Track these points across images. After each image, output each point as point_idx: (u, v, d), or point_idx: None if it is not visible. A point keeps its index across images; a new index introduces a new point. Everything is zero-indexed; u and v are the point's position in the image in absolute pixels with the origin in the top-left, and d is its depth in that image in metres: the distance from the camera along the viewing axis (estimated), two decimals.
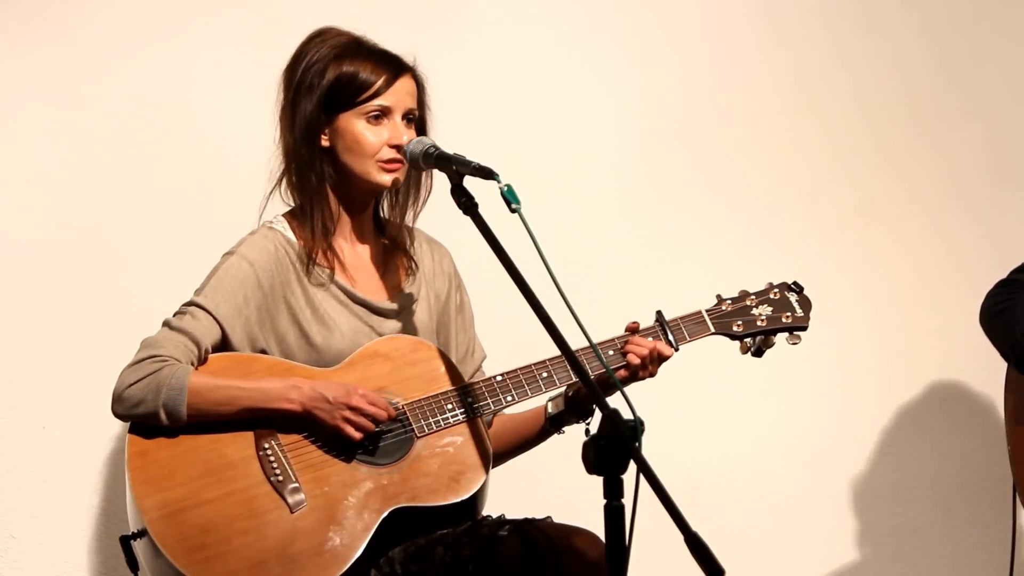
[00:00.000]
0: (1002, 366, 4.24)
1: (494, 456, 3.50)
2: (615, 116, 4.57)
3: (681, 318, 3.57)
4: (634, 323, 3.54)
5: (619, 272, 4.55)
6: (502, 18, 4.48)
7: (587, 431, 3.40)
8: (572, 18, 4.54)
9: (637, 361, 3.49)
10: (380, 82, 3.47)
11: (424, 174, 3.57)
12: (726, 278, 4.60)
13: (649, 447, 3.02)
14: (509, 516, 3.43)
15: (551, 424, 3.56)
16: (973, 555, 4.81)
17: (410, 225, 3.63)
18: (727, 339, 3.60)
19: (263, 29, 4.21)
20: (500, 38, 4.48)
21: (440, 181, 3.46)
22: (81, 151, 4.11)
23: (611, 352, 3.51)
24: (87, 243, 4.10)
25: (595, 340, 3.20)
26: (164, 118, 4.16)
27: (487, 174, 3.27)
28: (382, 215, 3.63)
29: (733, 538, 4.59)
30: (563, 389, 3.52)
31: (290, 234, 3.52)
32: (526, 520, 3.40)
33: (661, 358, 3.51)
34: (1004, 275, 4.15)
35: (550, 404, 3.56)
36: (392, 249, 3.63)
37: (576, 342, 3.18)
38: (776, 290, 3.64)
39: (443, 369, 3.50)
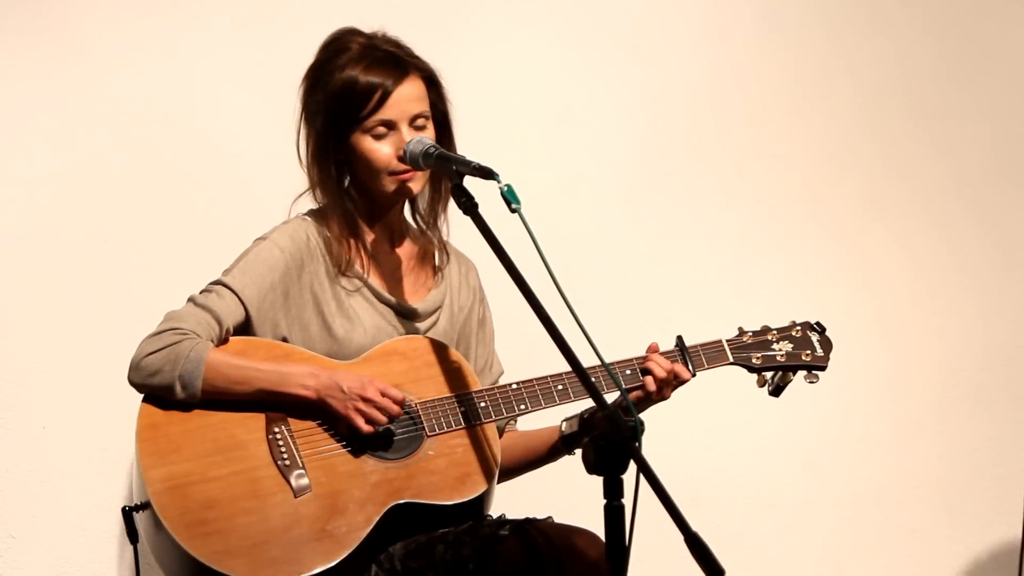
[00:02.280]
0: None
1: (503, 471, 3.50)
2: (616, 116, 4.57)
3: (701, 345, 3.57)
4: (654, 344, 3.54)
5: (619, 272, 4.55)
6: (502, 18, 4.48)
7: None
8: (572, 18, 4.54)
9: (654, 387, 3.48)
10: (376, 97, 3.44)
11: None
12: (726, 278, 4.62)
13: (649, 447, 3.03)
14: (509, 516, 3.43)
15: (563, 444, 3.56)
16: (973, 555, 4.81)
17: (443, 232, 3.61)
18: (745, 371, 3.60)
19: (264, 29, 4.21)
20: (500, 38, 4.48)
21: None
22: (81, 151, 4.11)
23: (628, 372, 3.51)
24: (87, 243, 4.10)
25: (595, 340, 3.19)
26: (164, 117, 4.16)
27: (487, 174, 3.27)
28: (415, 221, 3.63)
29: (733, 538, 4.59)
30: (579, 411, 3.53)
31: (323, 228, 3.52)
32: (526, 520, 3.40)
33: (679, 380, 3.51)
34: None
35: (564, 424, 3.56)
36: (421, 256, 3.62)
37: (577, 344, 3.17)
38: (798, 328, 3.66)
39: (459, 372, 3.50)
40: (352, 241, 3.52)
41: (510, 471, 3.61)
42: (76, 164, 4.11)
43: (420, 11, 4.36)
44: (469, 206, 3.28)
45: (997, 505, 4.79)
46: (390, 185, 3.48)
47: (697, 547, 2.86)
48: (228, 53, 4.21)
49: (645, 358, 3.51)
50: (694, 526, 2.88)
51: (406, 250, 3.61)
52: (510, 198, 3.21)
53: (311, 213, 3.55)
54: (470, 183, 3.30)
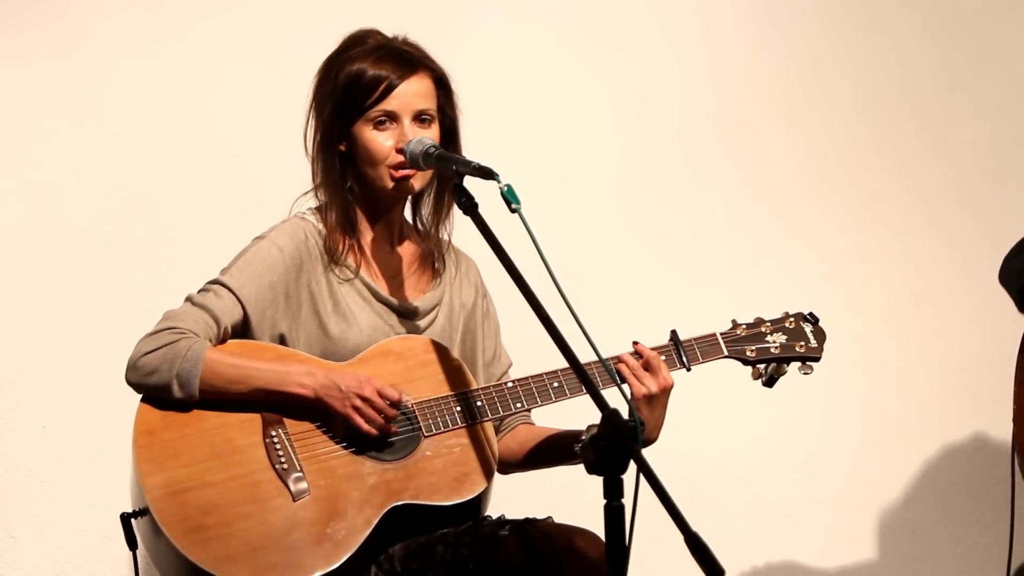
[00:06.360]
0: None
1: (517, 464, 3.52)
2: (615, 116, 4.58)
3: (695, 339, 3.56)
4: (639, 346, 3.51)
5: (619, 272, 4.55)
6: (502, 18, 4.48)
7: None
8: (572, 18, 4.55)
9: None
10: (382, 87, 3.45)
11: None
12: (726, 278, 4.62)
13: (649, 447, 3.03)
14: (509, 516, 3.43)
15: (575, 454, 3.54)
16: (973, 555, 4.82)
17: (442, 236, 3.61)
18: (739, 364, 3.60)
19: (264, 28, 4.22)
20: (500, 38, 4.48)
21: None
22: (80, 151, 4.11)
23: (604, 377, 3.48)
24: (87, 243, 4.11)
25: (594, 340, 3.19)
26: (164, 118, 4.17)
27: (487, 174, 3.27)
28: (417, 224, 3.62)
29: (733, 538, 4.59)
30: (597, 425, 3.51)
31: (321, 226, 3.52)
32: (526, 520, 3.40)
33: (660, 386, 3.48)
34: None
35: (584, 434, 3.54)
36: (420, 254, 3.62)
37: (576, 343, 3.17)
38: (792, 319, 3.64)
39: (455, 371, 3.50)
40: (348, 235, 3.51)
41: (522, 464, 3.59)
42: (76, 164, 4.11)
43: (420, 11, 4.36)
44: (469, 206, 3.28)
45: (997, 505, 4.79)
46: (388, 179, 3.47)
47: (697, 547, 2.86)
48: (229, 53, 4.21)
49: (618, 359, 3.49)
50: (694, 526, 2.88)
51: (407, 250, 3.61)
52: (510, 198, 3.21)
53: (311, 211, 3.55)
54: (470, 183, 3.31)
